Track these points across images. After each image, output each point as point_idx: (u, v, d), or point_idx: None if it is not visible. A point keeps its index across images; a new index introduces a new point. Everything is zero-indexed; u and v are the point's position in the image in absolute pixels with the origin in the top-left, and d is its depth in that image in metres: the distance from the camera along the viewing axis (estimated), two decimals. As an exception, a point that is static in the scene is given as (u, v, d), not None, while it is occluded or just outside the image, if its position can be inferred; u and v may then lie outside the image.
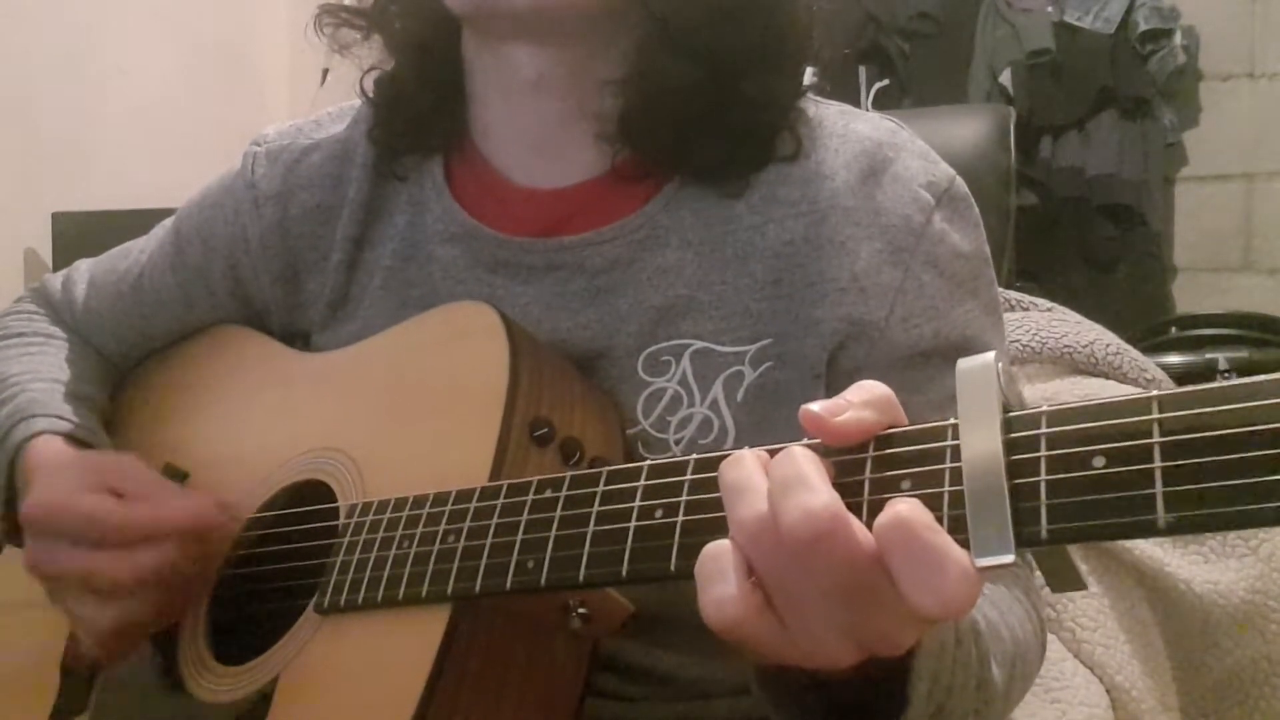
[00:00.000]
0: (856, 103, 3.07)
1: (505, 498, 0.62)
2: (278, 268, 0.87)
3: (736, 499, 0.48)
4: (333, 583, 0.68)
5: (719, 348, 0.74)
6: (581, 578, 0.56)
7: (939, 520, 0.45)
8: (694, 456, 0.55)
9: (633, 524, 0.55)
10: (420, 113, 0.83)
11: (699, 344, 0.74)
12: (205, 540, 0.75)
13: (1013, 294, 1.37)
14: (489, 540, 0.61)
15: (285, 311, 0.88)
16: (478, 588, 0.60)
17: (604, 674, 0.73)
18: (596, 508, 0.57)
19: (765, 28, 0.76)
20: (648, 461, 0.57)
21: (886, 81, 3.27)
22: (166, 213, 0.98)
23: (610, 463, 0.67)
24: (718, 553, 0.48)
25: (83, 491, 0.74)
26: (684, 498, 0.54)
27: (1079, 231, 3.19)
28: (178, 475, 0.85)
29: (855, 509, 0.47)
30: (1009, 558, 0.44)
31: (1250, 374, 0.42)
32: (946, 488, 0.47)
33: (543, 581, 0.58)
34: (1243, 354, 2.65)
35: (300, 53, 2.86)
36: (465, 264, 0.80)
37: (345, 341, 0.83)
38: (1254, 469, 0.40)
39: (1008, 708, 0.68)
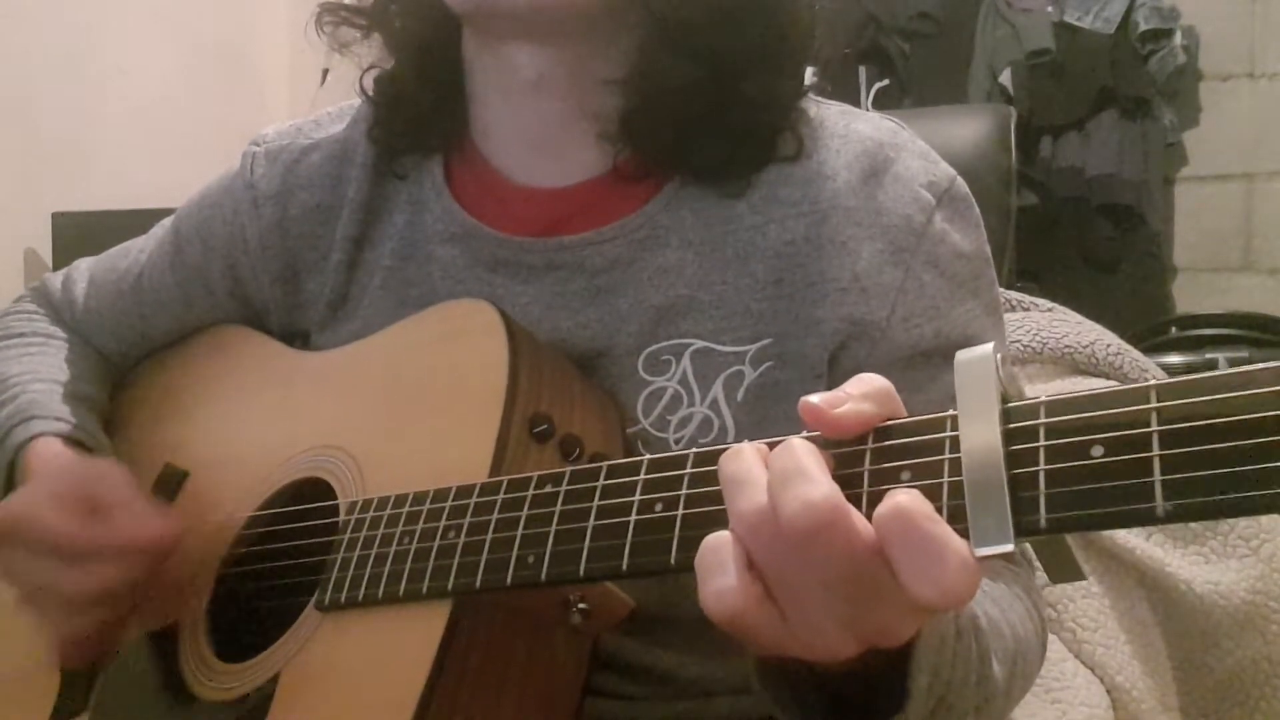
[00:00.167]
0: (856, 103, 3.07)
1: (505, 493, 0.62)
2: (277, 268, 0.87)
3: (736, 491, 0.48)
4: (333, 580, 0.68)
5: (719, 347, 0.74)
6: (582, 572, 0.56)
7: (938, 510, 0.46)
8: (693, 450, 0.55)
9: (633, 518, 0.55)
10: (420, 112, 0.83)
11: (699, 343, 0.74)
12: (167, 557, 0.74)
13: (1013, 294, 1.37)
14: (489, 536, 0.61)
15: (285, 311, 0.88)
16: (478, 583, 0.60)
17: (604, 673, 0.73)
18: (596, 502, 0.57)
19: (766, 28, 0.76)
20: (647, 456, 0.57)
21: (886, 81, 3.27)
22: (166, 213, 0.98)
23: (610, 459, 0.67)
24: (718, 544, 0.48)
25: (49, 501, 0.74)
26: (684, 491, 0.54)
27: (1079, 231, 3.19)
28: (178, 475, 0.86)
29: (855, 500, 0.47)
30: (1008, 547, 0.44)
31: (1249, 374, 0.43)
32: (946, 478, 0.47)
33: (543, 576, 0.58)
34: (1243, 354, 2.65)
35: (300, 53, 2.86)
36: (465, 263, 0.80)
37: (345, 341, 0.83)
38: (1251, 457, 0.40)
39: (1008, 705, 0.68)
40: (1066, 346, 1.28)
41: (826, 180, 0.75)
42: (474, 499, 0.63)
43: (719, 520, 0.50)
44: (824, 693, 0.54)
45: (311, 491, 0.76)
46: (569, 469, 0.60)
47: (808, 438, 0.49)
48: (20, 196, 2.50)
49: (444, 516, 0.64)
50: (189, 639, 0.77)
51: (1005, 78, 3.15)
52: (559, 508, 0.59)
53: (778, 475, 0.47)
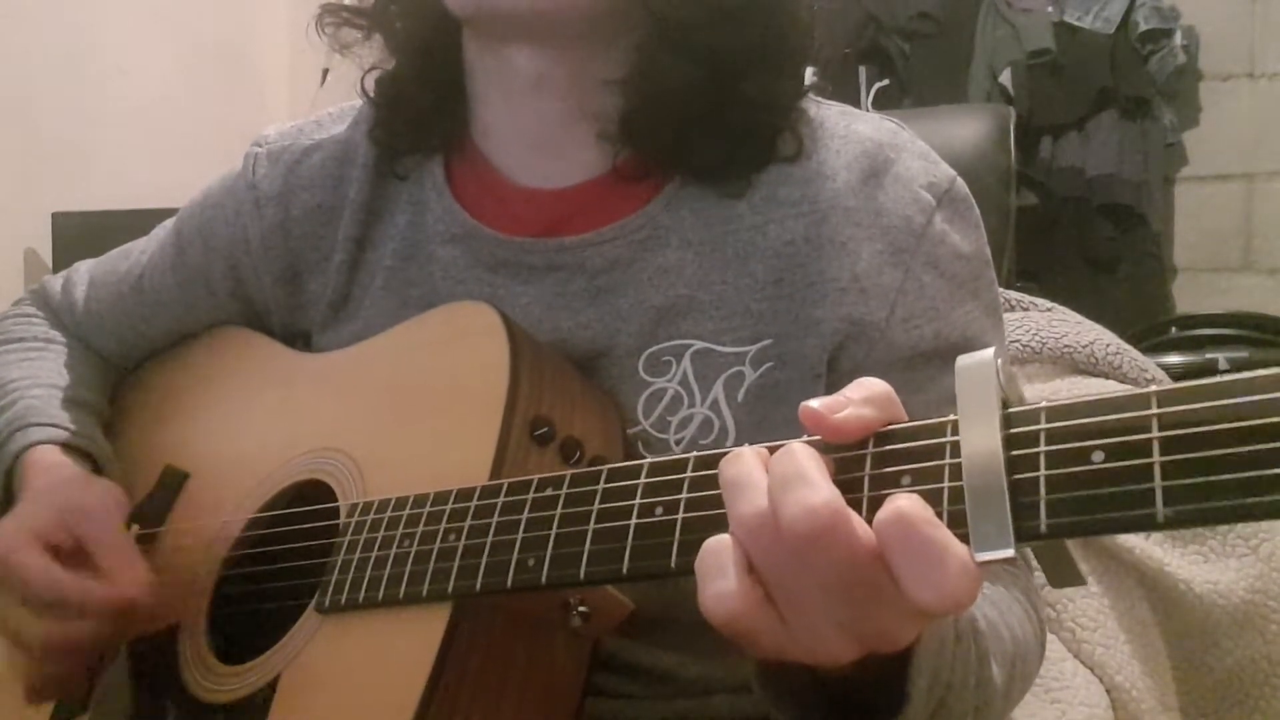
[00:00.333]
0: (856, 103, 3.08)
1: (506, 496, 0.62)
2: (279, 268, 0.87)
3: (736, 495, 0.48)
4: (333, 582, 0.68)
5: (719, 348, 0.74)
6: (582, 575, 0.56)
7: (939, 515, 0.46)
8: (694, 454, 0.55)
9: (633, 521, 0.55)
10: (421, 112, 0.83)
11: (699, 344, 0.74)
12: (130, 619, 0.74)
13: (1013, 294, 1.37)
14: (490, 539, 0.61)
15: (286, 312, 0.88)
16: (479, 586, 0.60)
17: (604, 672, 0.73)
18: (597, 505, 0.57)
19: (766, 28, 0.76)
20: (648, 460, 0.57)
21: (886, 81, 3.27)
22: (166, 213, 0.98)
23: (610, 463, 0.67)
24: (718, 548, 0.48)
25: (27, 541, 0.73)
26: (684, 495, 0.54)
27: (1079, 231, 3.19)
28: (178, 476, 0.86)
29: (855, 505, 0.47)
30: (1009, 552, 0.44)
31: (1250, 373, 0.43)
32: (946, 483, 0.47)
33: (544, 579, 0.58)
34: (1243, 354, 2.65)
35: (300, 53, 2.87)
36: (466, 264, 0.80)
37: (346, 342, 0.83)
38: (1252, 463, 0.40)
39: (1007, 707, 0.68)
40: (1066, 346, 1.28)
41: (826, 180, 0.75)
42: (474, 502, 0.63)
43: (719, 524, 0.50)
44: (823, 695, 0.54)
45: (312, 493, 0.76)
46: (569, 472, 0.60)
47: (808, 442, 0.49)
48: (20, 196, 2.49)
49: (444, 519, 0.64)
50: (189, 640, 0.77)
51: (1005, 78, 3.15)
52: (559, 511, 0.59)
53: (778, 479, 0.47)
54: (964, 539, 0.45)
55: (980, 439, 0.46)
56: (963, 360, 0.48)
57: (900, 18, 3.28)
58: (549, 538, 0.58)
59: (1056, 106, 3.15)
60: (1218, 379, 0.42)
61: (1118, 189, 3.11)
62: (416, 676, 0.60)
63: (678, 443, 0.73)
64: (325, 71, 2.52)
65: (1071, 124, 3.17)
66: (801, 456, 0.47)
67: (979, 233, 0.78)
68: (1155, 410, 0.43)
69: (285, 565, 0.75)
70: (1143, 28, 3.13)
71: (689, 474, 0.54)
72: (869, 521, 0.46)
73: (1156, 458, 0.42)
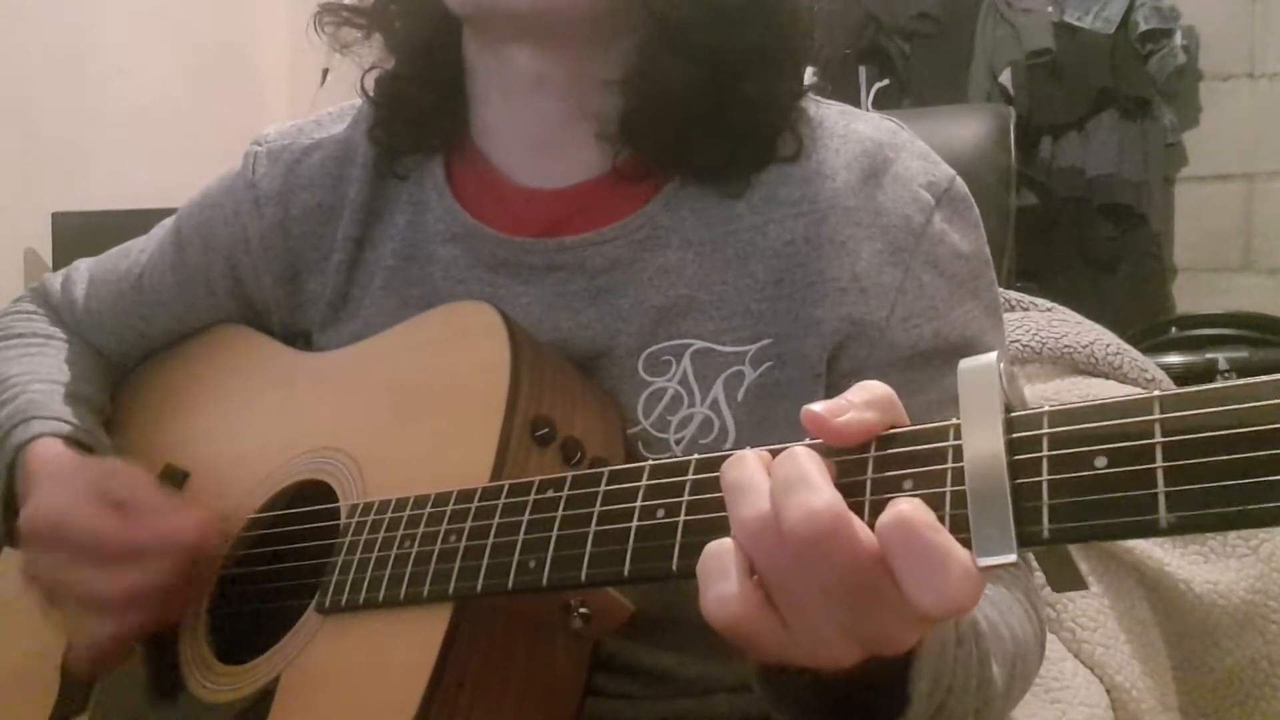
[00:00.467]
0: (856, 103, 3.08)
1: (507, 497, 0.62)
2: (279, 268, 0.87)
3: (739, 498, 0.48)
4: (334, 582, 0.68)
5: (719, 347, 0.74)
6: (583, 577, 0.56)
7: (941, 520, 0.46)
8: (695, 456, 0.55)
9: (634, 524, 0.55)
10: (421, 112, 0.83)
11: (699, 344, 0.74)
12: (200, 556, 0.74)
13: (1013, 294, 1.37)
14: (490, 540, 0.61)
15: (286, 311, 0.88)
16: (479, 587, 0.60)
17: (604, 673, 0.73)
18: (598, 507, 0.57)
19: (766, 28, 0.76)
20: (649, 461, 0.57)
21: (886, 81, 3.27)
22: (166, 213, 0.97)
23: (611, 463, 0.67)
24: (719, 551, 0.48)
25: (83, 503, 0.74)
26: (685, 498, 0.54)
27: (1079, 231, 3.19)
28: (178, 475, 0.85)
29: (857, 509, 0.47)
30: (1011, 557, 0.44)
31: (1250, 374, 0.43)
32: (948, 487, 0.47)
33: (544, 581, 0.58)
34: (1243, 354, 2.65)
35: (300, 53, 2.87)
36: (466, 264, 0.80)
37: (346, 341, 0.83)
38: (1255, 469, 0.40)
39: (1007, 707, 0.68)
40: (1066, 346, 1.28)
41: (826, 180, 0.75)
42: (476, 503, 0.63)
43: (721, 527, 0.50)
44: (824, 697, 0.54)
45: (312, 493, 0.76)
46: (571, 474, 0.60)
47: (810, 445, 0.49)
48: (20, 196, 2.49)
49: (445, 520, 0.64)
50: (189, 640, 0.77)
51: (1005, 78, 3.15)
52: (561, 513, 0.59)
53: (780, 483, 0.47)
54: (966, 544, 0.45)
55: (983, 443, 0.46)
56: (965, 364, 0.48)
57: (900, 18, 3.28)
58: (550, 539, 0.58)
59: (1056, 106, 3.15)
60: (1220, 385, 0.42)
61: (1118, 189, 3.12)
62: (417, 677, 0.60)
63: (678, 442, 0.73)
64: (325, 71, 2.52)
65: (1071, 124, 3.17)
66: (804, 460, 0.47)
67: (978, 232, 0.78)
68: (1158, 415, 0.43)
69: (285, 565, 0.75)
70: (1143, 28, 3.13)
71: (690, 476, 0.54)
72: (871, 525, 0.46)
73: (1159, 463, 0.42)
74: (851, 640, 0.48)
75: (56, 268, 1.04)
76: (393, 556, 0.65)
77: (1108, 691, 1.10)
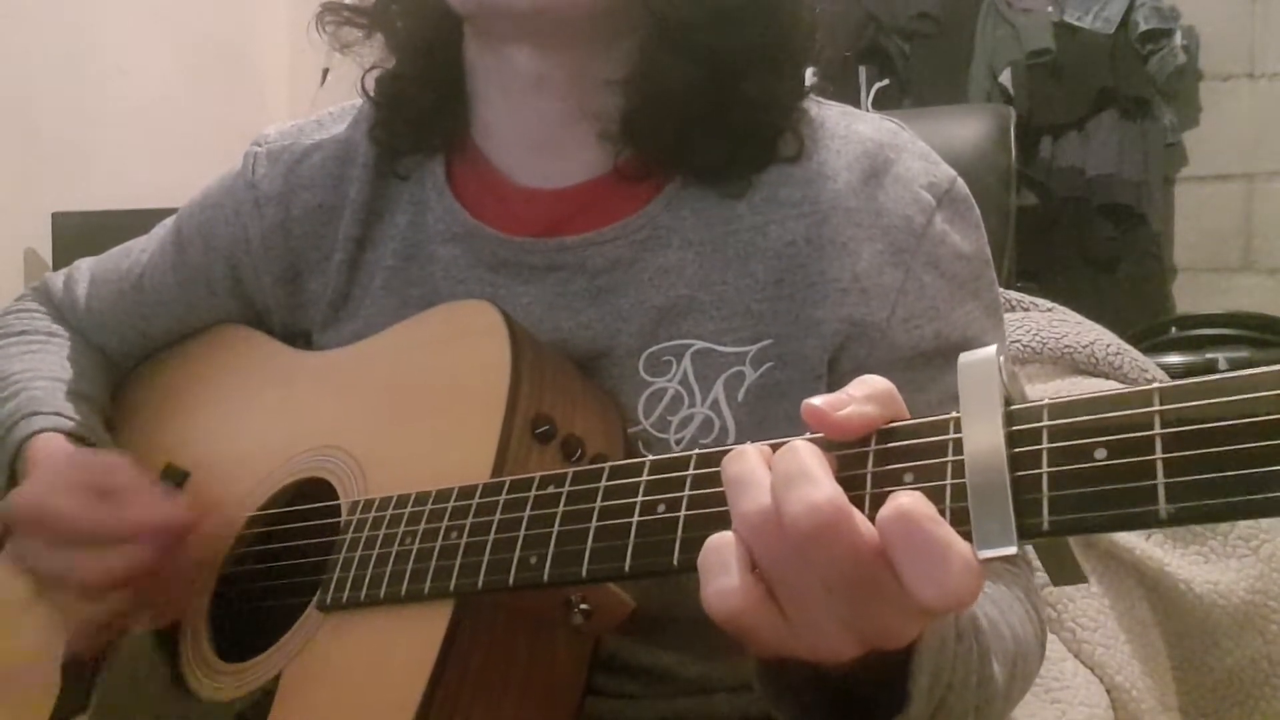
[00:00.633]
0: (856, 103, 3.08)
1: (508, 494, 0.62)
2: (279, 268, 0.87)
3: (739, 492, 0.49)
4: (335, 580, 0.68)
5: (720, 348, 0.74)
6: (584, 573, 0.56)
7: (941, 513, 0.46)
8: (696, 452, 0.55)
9: (635, 519, 0.55)
10: (422, 112, 0.83)
11: (700, 344, 0.74)
12: (182, 542, 0.74)
13: (1013, 294, 1.37)
14: (491, 536, 0.61)
15: (287, 311, 0.89)
16: (480, 584, 0.60)
17: (604, 672, 0.73)
18: (599, 503, 0.57)
19: (766, 28, 0.76)
20: (650, 458, 0.57)
21: (886, 81, 3.27)
22: (166, 213, 0.98)
23: (611, 461, 0.67)
24: (720, 544, 0.48)
25: (63, 490, 0.74)
26: (686, 493, 0.54)
27: (1079, 231, 3.19)
28: (178, 475, 0.86)
29: (858, 502, 0.47)
30: (1011, 549, 0.44)
31: (1249, 374, 0.43)
32: (949, 480, 0.47)
33: (545, 577, 0.58)
34: (1243, 354, 2.65)
35: (300, 53, 2.87)
36: (466, 264, 0.80)
37: (346, 341, 0.83)
38: (1254, 460, 0.40)
39: (1008, 706, 0.68)
40: (1066, 346, 1.28)
41: (827, 181, 0.75)
42: (476, 499, 0.63)
43: (722, 521, 0.50)
44: (824, 693, 0.54)
45: (313, 491, 0.76)
46: (571, 470, 0.60)
47: (811, 439, 0.49)
48: (20, 196, 2.50)
49: (446, 517, 0.64)
50: (190, 638, 0.77)
51: (1005, 78, 3.15)
52: (561, 509, 0.59)
53: (781, 477, 0.47)
54: (966, 536, 0.45)
55: (983, 436, 0.46)
56: (965, 358, 0.48)
57: (900, 18, 3.28)
58: (551, 535, 0.58)
59: (1056, 106, 3.15)
60: (1219, 376, 0.42)
61: (1118, 189, 3.12)
62: (418, 674, 0.61)
63: (678, 442, 0.73)
64: (325, 71, 2.52)
65: (1071, 124, 3.18)
66: (804, 454, 0.47)
67: (979, 233, 0.78)
68: (1157, 407, 0.43)
69: (286, 563, 0.75)
70: (1143, 28, 3.14)
71: (691, 471, 0.55)
72: (872, 519, 0.46)
73: (1159, 454, 0.42)
74: (852, 634, 0.48)
75: (56, 268, 1.04)
76: (394, 553, 0.65)
77: (1108, 691, 1.10)
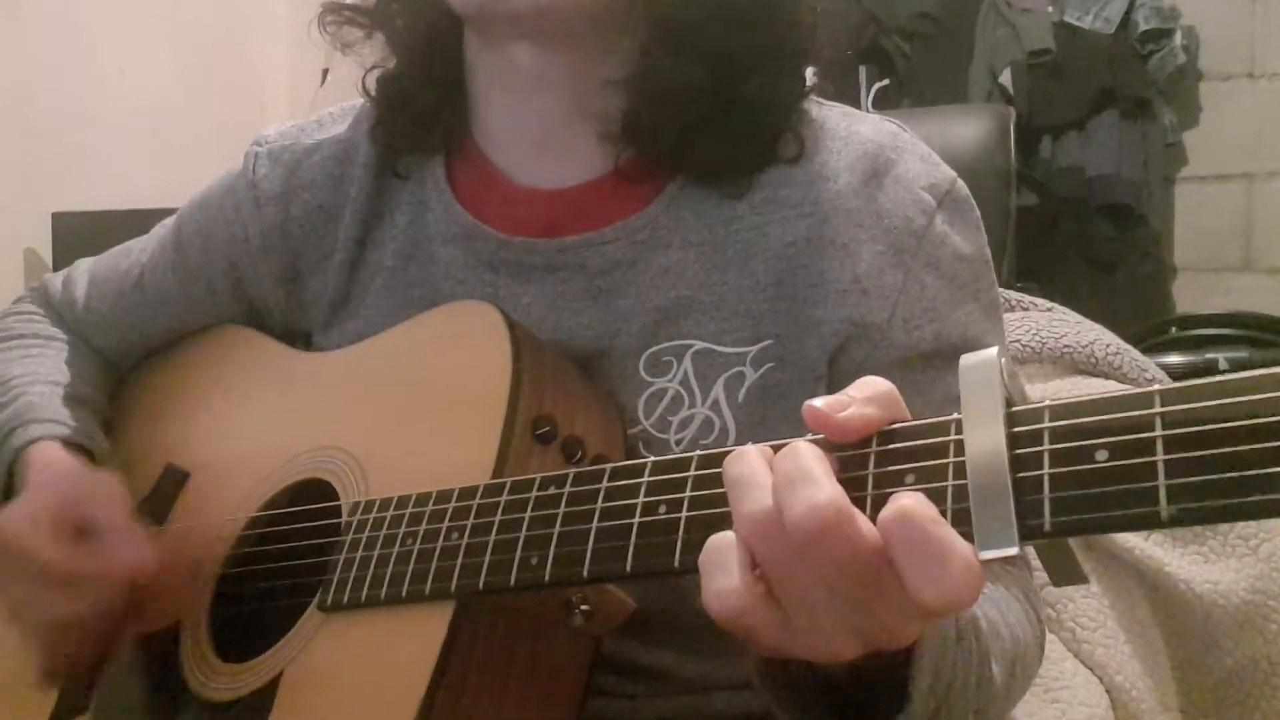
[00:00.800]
0: (856, 103, 3.08)
1: (509, 495, 0.62)
2: (280, 269, 0.87)
3: (741, 494, 0.49)
4: (336, 580, 0.68)
5: (720, 348, 0.74)
6: (586, 573, 0.57)
7: (943, 514, 0.46)
8: (697, 453, 0.55)
9: (636, 520, 0.55)
10: (423, 111, 0.83)
11: (700, 344, 0.74)
12: (139, 588, 0.75)
13: (1013, 294, 1.37)
14: (493, 537, 0.61)
15: (287, 312, 0.88)
16: (481, 585, 0.60)
17: (604, 672, 0.73)
18: (600, 504, 0.57)
19: (767, 29, 0.76)
20: (651, 458, 0.57)
21: (886, 81, 3.27)
22: (166, 213, 0.98)
23: (611, 461, 0.67)
24: (721, 545, 0.49)
25: (36, 523, 0.75)
26: (687, 494, 0.54)
27: (1079, 231, 3.19)
28: (179, 475, 0.86)
29: (859, 503, 0.47)
30: (1012, 550, 0.44)
31: (1250, 373, 0.43)
32: (950, 482, 0.47)
33: (547, 577, 0.58)
34: (1243, 354, 2.65)
35: (300, 52, 2.87)
36: (467, 264, 0.80)
37: (347, 341, 0.83)
38: (1255, 462, 0.40)
39: (1007, 707, 0.68)
40: (1066, 346, 1.28)
41: (827, 182, 0.75)
42: (477, 500, 0.63)
43: (723, 522, 0.50)
44: (824, 693, 0.54)
45: (313, 492, 0.76)
46: (572, 471, 0.60)
47: (812, 441, 0.49)
48: (20, 196, 2.50)
49: (447, 518, 0.64)
50: (190, 639, 0.77)
51: (1005, 78, 3.15)
52: (563, 509, 0.59)
53: (783, 478, 0.47)
54: (968, 537, 0.45)
55: (984, 437, 0.46)
56: (966, 359, 0.48)
57: (900, 18, 3.28)
58: (552, 536, 0.58)
59: (1056, 106, 3.15)
60: (1220, 378, 0.42)
61: (1118, 189, 3.12)
62: (419, 675, 0.61)
63: (678, 443, 0.73)
64: (325, 71, 2.52)
65: (1071, 124, 3.18)
66: (806, 455, 0.48)
67: (979, 234, 0.78)
68: (1158, 409, 0.43)
69: (287, 564, 0.75)
70: (1143, 28, 3.14)
71: (692, 472, 0.55)
72: (873, 520, 0.46)
73: (1160, 456, 0.42)
74: (853, 634, 0.48)
75: (56, 268, 1.04)
76: (394, 554, 0.65)
77: (1108, 691, 1.10)
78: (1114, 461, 0.43)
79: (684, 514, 0.54)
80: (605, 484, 0.58)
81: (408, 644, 0.63)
